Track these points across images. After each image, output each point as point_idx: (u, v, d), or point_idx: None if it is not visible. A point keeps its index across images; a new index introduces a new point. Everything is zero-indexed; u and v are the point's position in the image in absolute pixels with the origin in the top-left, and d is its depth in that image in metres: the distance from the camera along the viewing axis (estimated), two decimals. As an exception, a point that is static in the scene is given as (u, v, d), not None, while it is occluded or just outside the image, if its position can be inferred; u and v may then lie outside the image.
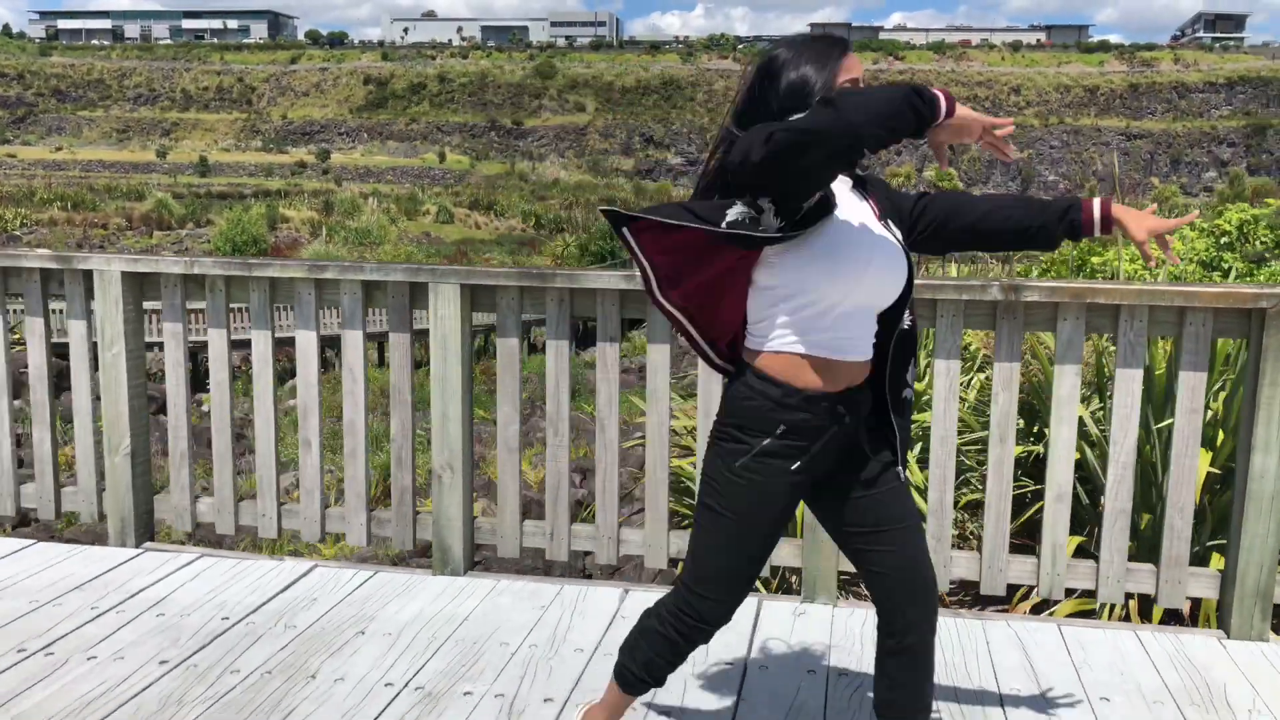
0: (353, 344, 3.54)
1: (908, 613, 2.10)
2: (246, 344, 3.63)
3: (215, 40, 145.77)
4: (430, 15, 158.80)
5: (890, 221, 2.11)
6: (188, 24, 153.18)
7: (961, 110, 1.92)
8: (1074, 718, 2.69)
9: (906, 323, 2.11)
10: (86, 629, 3.08)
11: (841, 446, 2.09)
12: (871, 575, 2.14)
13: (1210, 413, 4.31)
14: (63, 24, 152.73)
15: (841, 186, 2.07)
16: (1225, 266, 11.12)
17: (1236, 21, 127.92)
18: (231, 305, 3.62)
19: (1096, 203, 2.13)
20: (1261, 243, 11.67)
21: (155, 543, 3.81)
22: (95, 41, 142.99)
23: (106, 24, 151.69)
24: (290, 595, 3.35)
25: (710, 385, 3.25)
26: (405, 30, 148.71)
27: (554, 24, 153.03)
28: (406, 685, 2.78)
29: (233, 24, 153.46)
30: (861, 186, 2.13)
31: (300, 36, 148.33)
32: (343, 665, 2.89)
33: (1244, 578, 3.13)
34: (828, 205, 1.93)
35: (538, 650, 3.00)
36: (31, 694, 2.70)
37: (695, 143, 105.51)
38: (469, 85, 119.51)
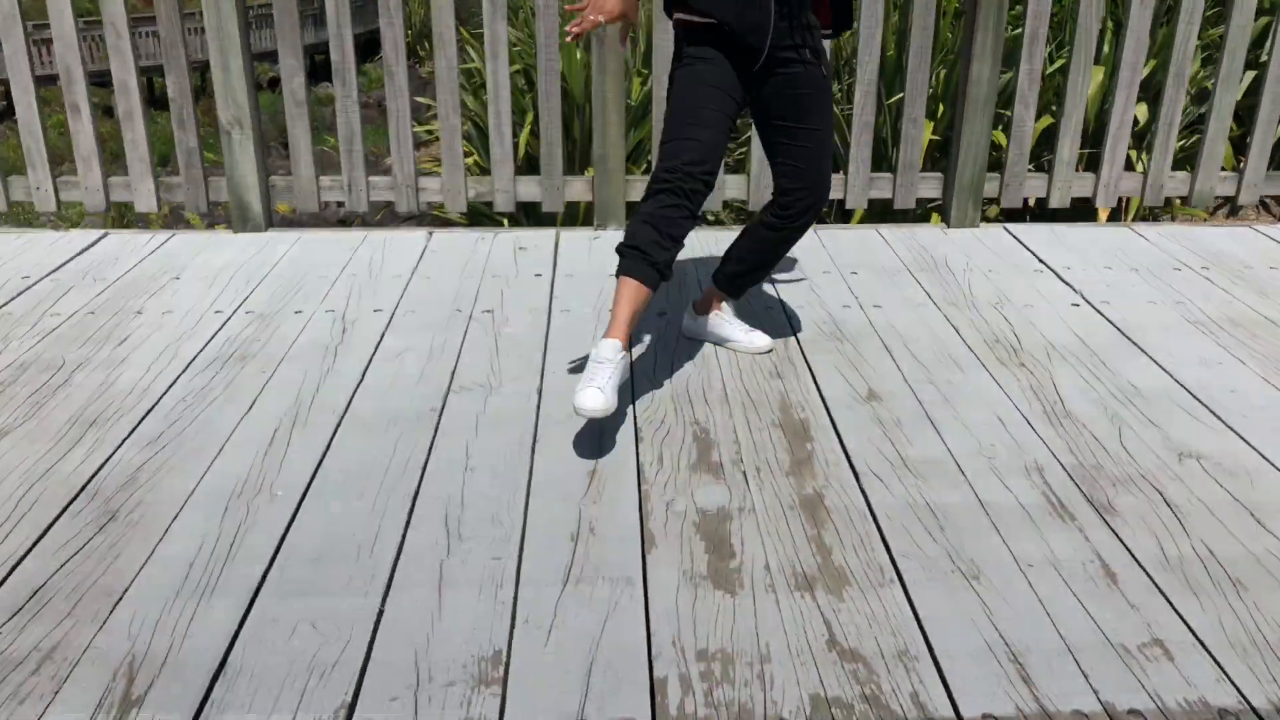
0: (112, -4, 3.34)
1: (794, 200, 2.44)
2: None
3: None
4: None
5: None
6: None
7: None
8: (830, 284, 3.21)
9: None
10: (-127, 298, 2.97)
11: (787, 15, 2.28)
12: (778, 164, 2.45)
13: (931, 90, 4.86)
14: None
15: None
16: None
17: None
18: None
19: None
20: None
21: (-83, 227, 3.60)
22: None
23: None
24: (89, 257, 3.32)
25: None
26: None
27: None
28: (237, 310, 2.92)
29: None
30: None
31: None
32: (167, 301, 2.97)
33: (961, 175, 3.71)
34: None
35: (358, 278, 3.19)
36: None
37: None
38: None
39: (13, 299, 2.97)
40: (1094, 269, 3.36)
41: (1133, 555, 1.89)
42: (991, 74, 3.57)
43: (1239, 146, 5.37)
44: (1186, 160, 5.25)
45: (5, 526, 1.90)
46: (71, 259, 3.29)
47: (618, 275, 2.28)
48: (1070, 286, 3.20)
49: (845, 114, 5.30)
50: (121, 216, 7.34)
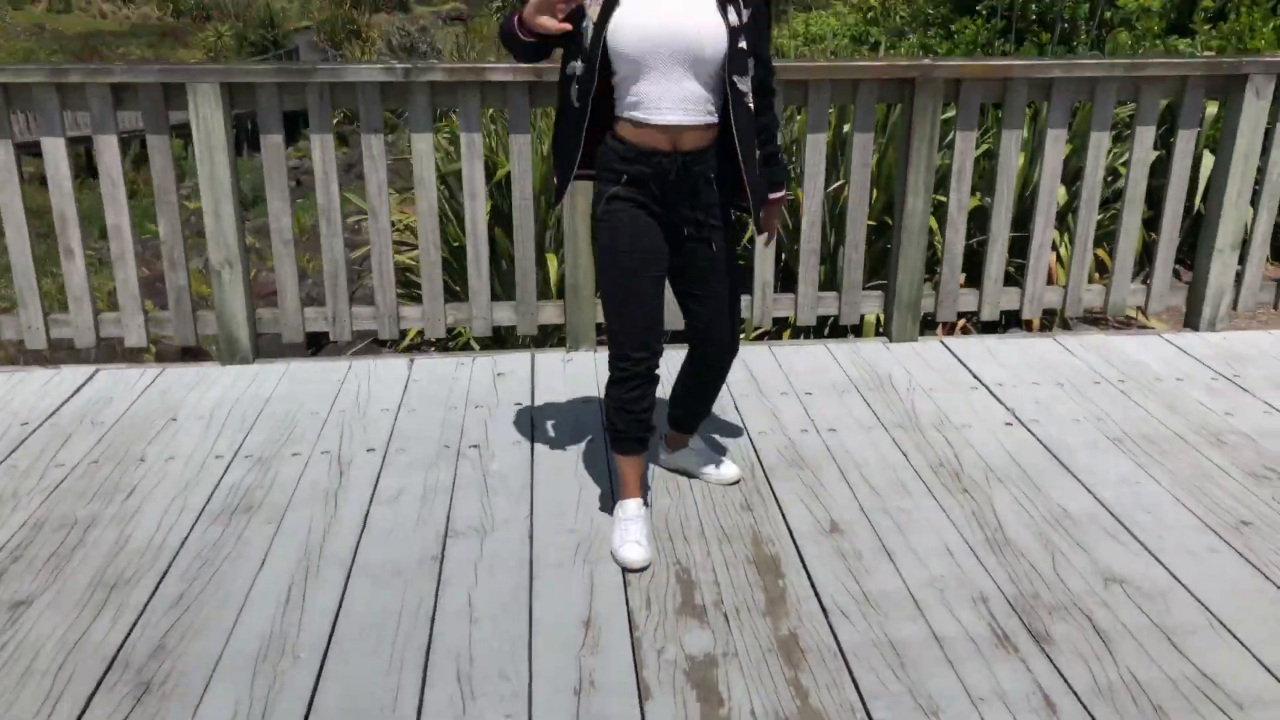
0: (107, 148, 3.53)
1: (706, 353, 2.74)
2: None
3: None
4: None
5: (732, 5, 2.40)
6: None
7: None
8: (788, 406, 3.48)
9: (741, 84, 2.43)
10: (-121, 450, 3.10)
11: (683, 199, 2.50)
12: (687, 322, 2.73)
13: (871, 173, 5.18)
14: None
15: None
16: (872, 39, 12.44)
17: None
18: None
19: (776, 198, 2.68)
20: (900, 18, 13.07)
21: (-92, 367, 3.72)
22: None
23: None
24: (84, 397, 3.47)
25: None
26: None
27: None
28: (236, 455, 3.09)
29: None
30: None
31: None
32: (167, 447, 3.14)
33: (901, 294, 4.03)
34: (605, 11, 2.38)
35: (347, 414, 3.38)
36: None
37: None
38: None
39: (15, 449, 3.11)
40: (1024, 385, 3.68)
41: (1069, 684, 2.16)
42: (924, 206, 3.91)
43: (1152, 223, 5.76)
44: (1107, 237, 5.60)
45: (46, 707, 2.05)
46: (66, 401, 3.44)
47: (613, 451, 2.64)
48: (1003, 404, 3.52)
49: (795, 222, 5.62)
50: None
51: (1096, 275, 5.55)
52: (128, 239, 3.62)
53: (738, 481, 2.97)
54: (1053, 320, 5.30)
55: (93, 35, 44.33)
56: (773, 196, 2.67)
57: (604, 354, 3.94)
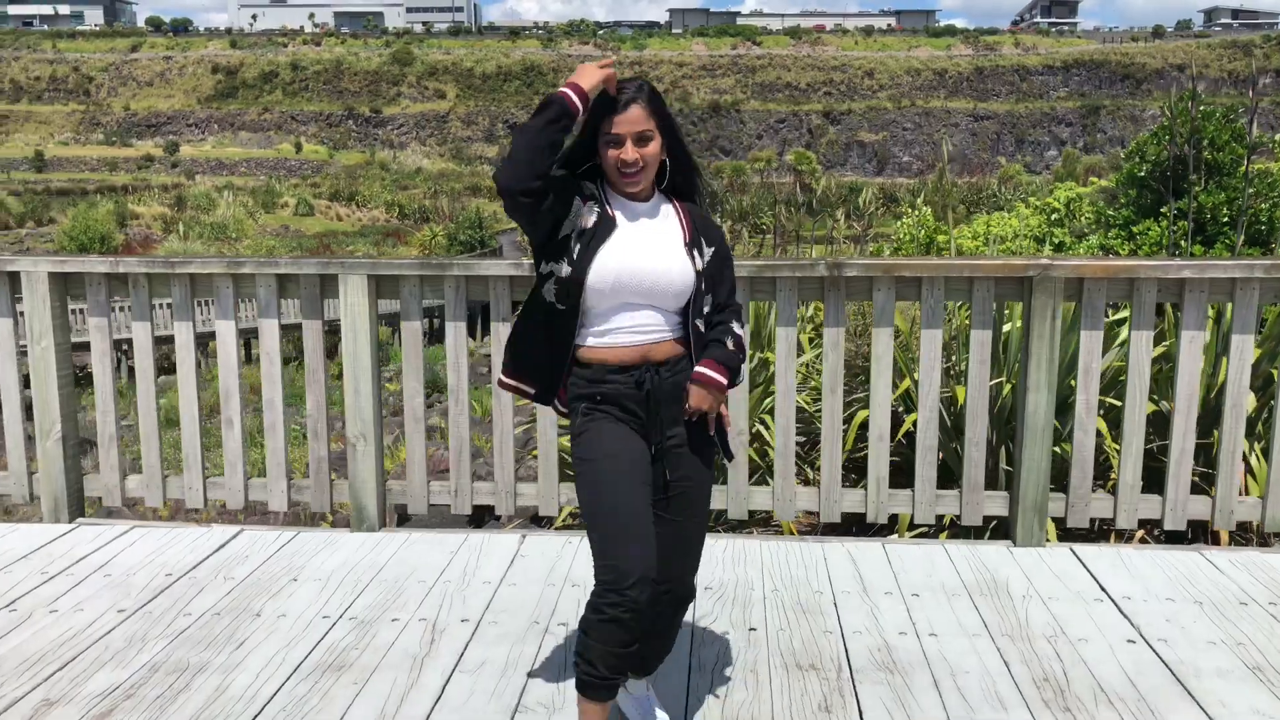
0: (269, 331, 3.96)
1: (660, 589, 2.39)
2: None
3: (45, 27, 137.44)
4: (280, 1, 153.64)
5: (697, 248, 2.45)
6: (14, 9, 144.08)
7: (587, 74, 2.32)
8: (891, 606, 3.37)
9: (700, 325, 2.46)
10: (41, 590, 3.45)
11: (658, 408, 2.40)
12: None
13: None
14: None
15: (639, 213, 2.44)
16: (1055, 240, 12.32)
17: (1070, 7, 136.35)
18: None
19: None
20: (1085, 218, 12.92)
21: (86, 518, 4.14)
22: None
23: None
24: (224, 554, 3.76)
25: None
26: (254, 17, 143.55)
27: (410, 10, 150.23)
28: (341, 616, 3.26)
29: (64, 9, 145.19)
30: (680, 211, 2.48)
31: (140, 23, 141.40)
32: (282, 605, 3.34)
33: (1025, 496, 3.88)
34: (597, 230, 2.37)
35: (451, 585, 3.51)
36: (5, 641, 3.07)
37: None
38: (324, 73, 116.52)
39: (154, 598, 3.40)
40: (1155, 600, 3.42)
41: None
42: (1048, 404, 3.81)
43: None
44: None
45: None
46: (208, 557, 3.74)
47: (585, 698, 2.34)
48: (1128, 620, 3.27)
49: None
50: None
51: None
52: (279, 411, 3.99)
53: None
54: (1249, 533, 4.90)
55: (327, 234, 49.53)
56: (700, 369, 2.45)
57: (716, 539, 3.94)
